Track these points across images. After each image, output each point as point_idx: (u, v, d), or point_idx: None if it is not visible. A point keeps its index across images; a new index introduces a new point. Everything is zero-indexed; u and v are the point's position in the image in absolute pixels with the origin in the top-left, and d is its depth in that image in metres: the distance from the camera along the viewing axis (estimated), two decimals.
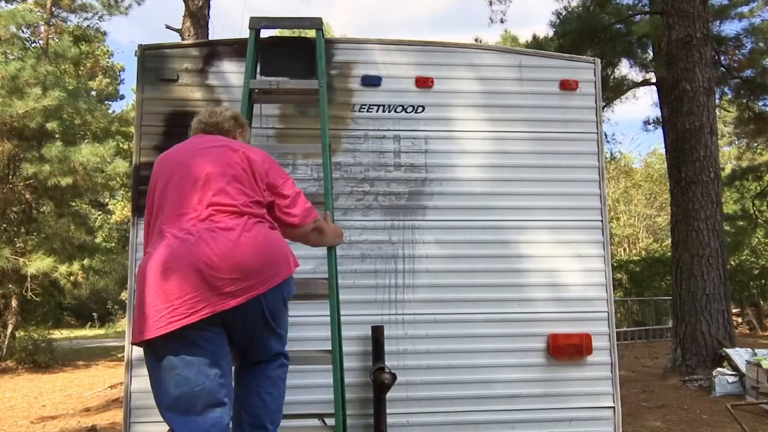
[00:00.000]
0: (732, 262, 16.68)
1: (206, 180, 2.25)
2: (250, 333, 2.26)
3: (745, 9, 13.43)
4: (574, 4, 12.45)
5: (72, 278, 15.40)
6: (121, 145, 15.50)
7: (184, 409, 2.10)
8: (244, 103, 3.01)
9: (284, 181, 2.44)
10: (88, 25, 17.25)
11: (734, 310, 14.09)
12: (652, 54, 12.15)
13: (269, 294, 2.19)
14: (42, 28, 15.07)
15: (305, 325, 3.13)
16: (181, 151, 2.42)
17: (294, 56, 3.26)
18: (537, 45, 11.54)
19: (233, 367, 2.35)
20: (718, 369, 7.19)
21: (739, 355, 7.10)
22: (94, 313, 26.91)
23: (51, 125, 12.04)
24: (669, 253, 13.08)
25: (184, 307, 2.05)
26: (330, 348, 2.79)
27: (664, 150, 10.55)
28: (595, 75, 3.67)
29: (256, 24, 3.09)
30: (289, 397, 2.53)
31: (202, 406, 2.11)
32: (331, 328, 2.79)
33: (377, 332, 3.29)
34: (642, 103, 57.84)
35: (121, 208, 24.81)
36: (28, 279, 12.05)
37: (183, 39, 9.43)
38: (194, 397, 2.10)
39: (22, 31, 14.77)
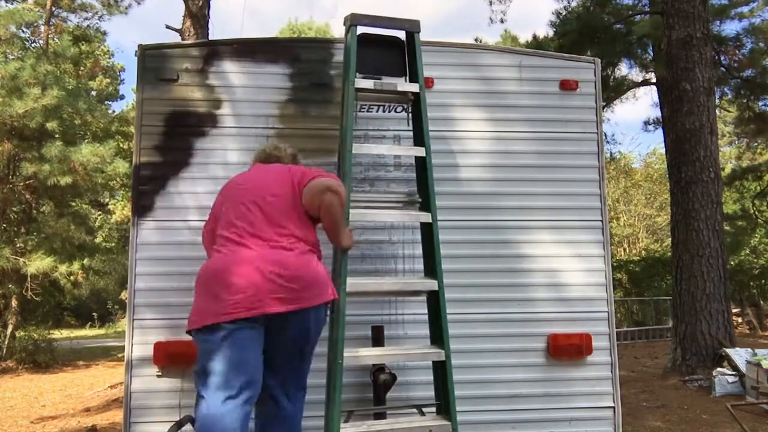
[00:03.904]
0: (732, 262, 16.66)
1: (265, 205, 2.65)
2: (286, 344, 2.59)
3: (745, 9, 13.42)
4: (574, 4, 12.46)
5: (72, 278, 15.41)
6: (121, 145, 15.50)
7: (224, 386, 2.40)
8: (350, 103, 3.08)
9: (315, 171, 2.79)
10: (88, 25, 17.28)
11: (734, 310, 14.08)
12: (652, 54, 12.15)
13: (312, 311, 2.56)
14: (42, 28, 15.06)
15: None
16: (251, 176, 2.83)
17: (381, 54, 3.27)
18: (537, 45, 11.53)
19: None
20: (718, 369, 7.18)
21: (739, 355, 7.09)
22: (94, 313, 26.91)
23: (51, 125, 12.02)
24: (669, 253, 13.07)
25: (244, 303, 2.42)
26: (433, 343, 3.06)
27: (664, 150, 10.54)
28: (595, 75, 3.67)
29: (357, 20, 3.15)
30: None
31: (239, 387, 2.41)
32: (440, 323, 2.99)
33: (377, 332, 3.29)
34: (642, 103, 57.86)
35: (121, 208, 24.80)
36: (28, 279, 12.04)
37: (183, 39, 9.42)
38: (235, 378, 2.41)
39: (22, 31, 14.76)
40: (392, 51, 3.29)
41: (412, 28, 3.24)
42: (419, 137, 3.21)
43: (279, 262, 2.51)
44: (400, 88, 3.21)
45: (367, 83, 3.16)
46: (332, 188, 2.65)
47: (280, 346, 2.60)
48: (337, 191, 2.66)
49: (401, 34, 3.30)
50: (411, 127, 3.31)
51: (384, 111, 3.50)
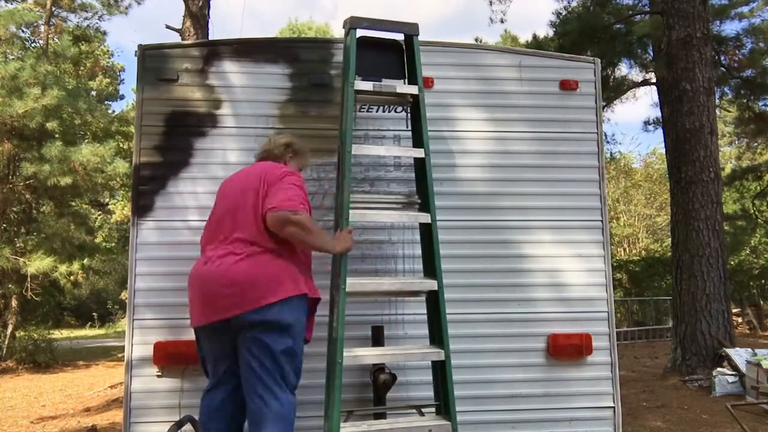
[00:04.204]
0: (732, 262, 16.67)
1: (236, 211, 2.76)
2: (251, 345, 2.64)
3: (745, 9, 13.42)
4: (574, 4, 12.46)
5: (72, 278, 15.42)
6: (121, 145, 15.49)
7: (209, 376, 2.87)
8: (350, 105, 3.08)
9: (277, 189, 2.71)
10: (88, 25, 17.28)
11: (734, 310, 14.09)
12: (652, 54, 12.15)
13: (267, 309, 2.59)
14: (42, 28, 15.07)
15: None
16: (235, 179, 2.92)
17: (380, 56, 3.28)
18: (537, 45, 11.53)
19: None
20: (718, 369, 7.18)
21: (739, 355, 7.09)
22: (94, 313, 26.92)
23: (51, 125, 12.02)
24: (669, 253, 13.08)
25: (200, 315, 2.73)
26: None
27: (664, 150, 10.55)
28: (595, 75, 3.67)
29: (356, 23, 3.17)
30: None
31: (212, 377, 2.85)
32: (439, 323, 2.99)
33: (377, 332, 3.29)
34: (642, 103, 57.90)
35: (121, 208, 24.81)
36: (28, 279, 12.05)
37: (183, 39, 9.43)
38: (211, 370, 2.87)
39: (22, 31, 14.76)
40: (391, 53, 3.29)
41: (410, 31, 3.24)
42: (418, 139, 3.21)
43: (225, 271, 2.64)
44: (399, 90, 3.20)
45: (367, 85, 3.16)
46: (291, 221, 2.64)
47: (245, 347, 2.66)
48: (297, 222, 2.64)
49: (400, 37, 3.30)
50: (410, 128, 3.31)
51: (384, 111, 3.50)
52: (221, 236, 2.76)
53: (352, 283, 2.95)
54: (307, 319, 2.81)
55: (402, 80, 3.27)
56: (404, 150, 3.32)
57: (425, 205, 3.14)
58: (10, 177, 12.79)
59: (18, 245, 12.59)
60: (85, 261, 14.67)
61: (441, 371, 2.97)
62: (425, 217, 3.10)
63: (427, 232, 3.12)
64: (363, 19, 3.20)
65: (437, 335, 3.03)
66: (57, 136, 12.47)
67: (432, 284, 3.03)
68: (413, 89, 3.19)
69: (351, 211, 2.98)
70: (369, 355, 3.02)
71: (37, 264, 11.63)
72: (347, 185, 2.99)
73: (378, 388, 3.17)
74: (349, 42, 3.16)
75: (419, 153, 3.17)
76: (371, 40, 3.26)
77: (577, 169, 3.59)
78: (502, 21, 13.52)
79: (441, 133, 3.51)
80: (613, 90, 12.17)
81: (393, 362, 3.17)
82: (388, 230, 3.42)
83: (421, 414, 3.10)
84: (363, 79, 3.17)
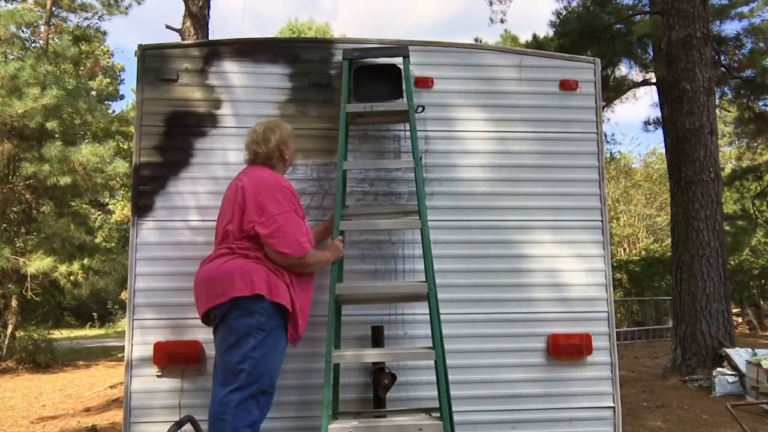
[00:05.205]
0: (732, 262, 16.68)
1: (220, 222, 2.96)
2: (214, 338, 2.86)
3: (745, 9, 13.44)
4: (574, 4, 12.46)
5: (72, 278, 15.44)
6: (121, 145, 15.50)
7: None
8: (342, 127, 3.22)
9: (266, 219, 2.80)
10: (88, 25, 17.31)
11: (734, 310, 14.10)
12: (652, 54, 12.15)
13: (220, 308, 2.76)
14: (42, 28, 15.08)
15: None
16: (229, 187, 3.00)
17: (379, 80, 3.40)
18: (537, 45, 11.53)
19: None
20: (718, 369, 7.19)
21: (739, 355, 7.10)
22: (94, 313, 26.94)
23: (51, 125, 12.03)
24: (669, 253, 13.09)
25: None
26: (431, 345, 3.00)
27: (664, 150, 10.55)
28: (595, 75, 3.67)
29: (349, 55, 3.36)
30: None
31: None
32: (431, 325, 2.99)
33: (377, 332, 3.29)
34: (642, 103, 57.90)
35: (121, 208, 24.84)
36: (28, 279, 12.05)
37: (183, 39, 9.43)
38: None
39: (22, 31, 14.79)
40: (389, 77, 3.39)
41: (401, 53, 3.35)
42: (414, 149, 3.26)
43: (203, 271, 2.88)
44: (388, 108, 3.28)
45: (358, 107, 3.28)
46: (301, 265, 2.87)
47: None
48: (305, 264, 2.89)
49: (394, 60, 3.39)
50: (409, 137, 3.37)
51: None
52: (216, 243, 2.98)
53: (342, 287, 3.06)
54: (288, 322, 2.85)
55: (401, 99, 3.33)
56: (395, 162, 3.43)
57: (417, 212, 3.17)
58: (10, 177, 12.79)
59: (18, 245, 12.60)
60: (85, 261, 14.70)
61: (435, 372, 2.97)
62: (415, 223, 3.12)
63: (420, 238, 3.16)
64: (355, 50, 3.40)
65: (432, 337, 3.03)
66: (57, 136, 12.48)
67: (422, 287, 3.05)
68: (402, 105, 3.24)
69: (342, 222, 3.08)
70: (359, 354, 3.10)
71: (37, 264, 11.63)
72: (339, 197, 3.11)
73: (378, 388, 3.17)
74: (345, 72, 3.30)
75: (410, 164, 3.24)
76: (368, 68, 3.38)
77: (577, 169, 3.59)
78: (502, 21, 13.53)
79: (441, 133, 3.51)
80: (613, 90, 12.18)
81: (387, 362, 3.17)
82: (388, 230, 3.42)
83: (430, 415, 3.10)
84: (356, 102, 3.29)
